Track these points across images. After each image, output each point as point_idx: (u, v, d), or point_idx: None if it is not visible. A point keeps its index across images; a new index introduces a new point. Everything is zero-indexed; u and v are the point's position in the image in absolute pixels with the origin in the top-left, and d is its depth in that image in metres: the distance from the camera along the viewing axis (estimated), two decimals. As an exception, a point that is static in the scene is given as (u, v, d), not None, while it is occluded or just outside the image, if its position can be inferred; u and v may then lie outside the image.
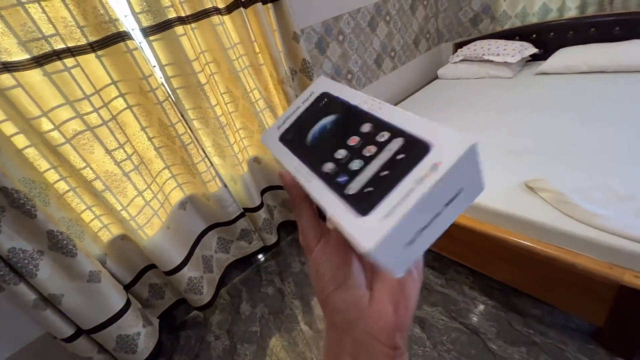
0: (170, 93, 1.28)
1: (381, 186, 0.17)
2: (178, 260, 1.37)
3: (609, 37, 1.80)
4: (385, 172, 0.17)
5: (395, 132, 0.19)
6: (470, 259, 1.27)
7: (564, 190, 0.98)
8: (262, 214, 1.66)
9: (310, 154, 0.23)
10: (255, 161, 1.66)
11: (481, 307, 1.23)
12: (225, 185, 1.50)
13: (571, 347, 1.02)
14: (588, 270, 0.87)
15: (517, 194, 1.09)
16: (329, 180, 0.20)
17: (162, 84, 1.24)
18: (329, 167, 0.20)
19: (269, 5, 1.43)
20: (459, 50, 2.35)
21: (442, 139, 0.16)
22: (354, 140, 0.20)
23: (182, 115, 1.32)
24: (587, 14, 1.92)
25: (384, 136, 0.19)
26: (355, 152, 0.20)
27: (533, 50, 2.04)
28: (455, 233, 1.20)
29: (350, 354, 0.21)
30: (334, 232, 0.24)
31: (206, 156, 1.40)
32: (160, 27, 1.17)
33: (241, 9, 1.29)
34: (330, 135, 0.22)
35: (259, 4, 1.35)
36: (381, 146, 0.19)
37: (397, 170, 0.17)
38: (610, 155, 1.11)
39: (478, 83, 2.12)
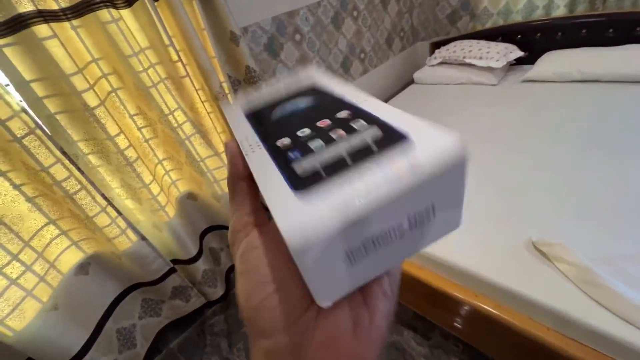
0: (39, 123, 0.88)
1: (339, 170, 0.13)
2: (75, 347, 1.00)
3: (603, 40, 1.59)
4: (350, 159, 0.13)
5: (372, 120, 0.15)
6: (462, 331, 0.99)
7: (589, 262, 0.71)
8: (200, 265, 1.30)
9: (268, 128, 0.18)
10: (190, 198, 1.29)
11: (476, 392, 0.96)
12: (144, 238, 1.13)
13: None
14: (633, 389, 0.61)
15: (521, 255, 0.82)
16: (278, 153, 0.15)
17: (24, 110, 0.84)
18: (283, 141, 0.16)
19: (192, -5, 1.06)
20: (436, 51, 2.08)
21: (427, 136, 0.13)
22: (323, 123, 0.17)
23: (65, 153, 0.93)
24: (577, 13, 1.70)
25: (358, 122, 0.16)
26: (320, 133, 0.16)
27: (519, 53, 1.80)
28: (440, 299, 0.92)
29: None
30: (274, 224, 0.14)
31: (109, 204, 1.02)
32: (9, 27, 0.77)
33: (145, 0, 0.92)
34: (300, 115, 0.19)
35: (175, -6, 0.98)
36: (352, 131, 0.15)
37: (364, 159, 0.13)
38: (638, 200, 0.86)
39: (459, 90, 1.86)
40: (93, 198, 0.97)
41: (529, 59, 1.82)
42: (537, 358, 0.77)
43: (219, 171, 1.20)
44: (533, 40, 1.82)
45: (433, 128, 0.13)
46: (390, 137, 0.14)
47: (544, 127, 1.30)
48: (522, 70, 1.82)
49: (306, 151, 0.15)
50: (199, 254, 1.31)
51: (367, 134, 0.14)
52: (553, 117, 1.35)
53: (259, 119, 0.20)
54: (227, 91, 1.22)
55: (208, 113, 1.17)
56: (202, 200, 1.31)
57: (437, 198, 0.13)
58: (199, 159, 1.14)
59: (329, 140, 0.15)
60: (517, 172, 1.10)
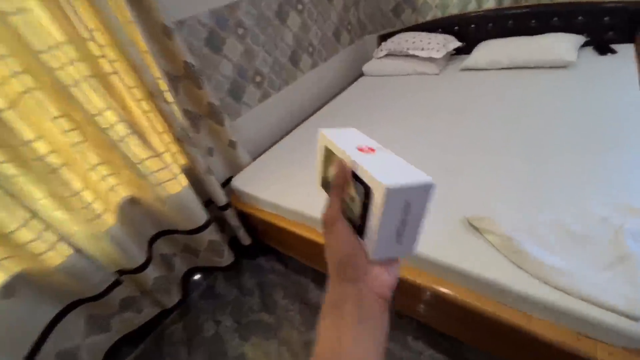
0: None
1: (364, 217, 0.27)
2: (4, 378, 0.90)
3: (526, 29, 1.74)
4: (363, 211, 0.27)
5: (361, 181, 0.27)
6: (411, 310, 1.04)
7: (512, 230, 0.78)
8: (150, 272, 1.23)
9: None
10: (133, 203, 1.22)
11: (429, 364, 1.02)
12: (80, 250, 1.04)
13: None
14: (550, 341, 0.68)
15: (458, 232, 0.87)
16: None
17: None
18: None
19: (114, -15, 0.98)
20: (382, 43, 2.14)
21: (374, 184, 0.25)
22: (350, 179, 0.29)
23: (-30, 162, 0.82)
24: (504, 5, 1.84)
25: (358, 185, 0.27)
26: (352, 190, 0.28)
27: (457, 43, 1.91)
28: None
29: (353, 302, 0.26)
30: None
31: (34, 216, 0.92)
32: None
33: (55, -10, 0.83)
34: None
35: (92, -17, 0.90)
36: (358, 190, 0.27)
37: (366, 212, 0.26)
38: (555, 175, 0.95)
39: (405, 80, 1.93)
40: (10, 212, 0.87)
41: (466, 49, 1.93)
42: (477, 325, 0.83)
43: (161, 173, 1.13)
44: (468, 31, 1.94)
45: (378, 180, 0.24)
46: (366, 190, 0.25)
47: (479, 112, 1.40)
48: (461, 59, 1.93)
49: (352, 209, 0.28)
50: (148, 261, 1.23)
51: (361, 194, 0.26)
52: (486, 103, 1.45)
53: (327, 186, 0.35)
54: (164, 88, 1.16)
55: (145, 112, 1.10)
56: (147, 204, 1.24)
57: (402, 200, 0.24)
58: (136, 161, 1.07)
59: (354, 200, 0.28)
60: (455, 154, 1.17)
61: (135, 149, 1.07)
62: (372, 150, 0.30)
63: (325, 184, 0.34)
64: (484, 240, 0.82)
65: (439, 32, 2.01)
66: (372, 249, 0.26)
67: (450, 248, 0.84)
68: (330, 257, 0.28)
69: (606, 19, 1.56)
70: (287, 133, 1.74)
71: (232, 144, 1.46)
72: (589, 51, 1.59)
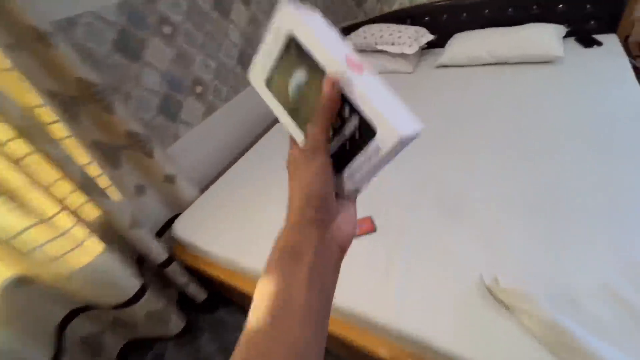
0: None
1: (346, 155, 0.24)
2: None
3: (504, 18, 1.57)
4: (348, 146, 0.23)
5: (353, 109, 0.22)
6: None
7: (548, 301, 0.57)
8: (62, 374, 0.89)
9: (295, 114, 0.26)
10: (22, 284, 0.85)
11: None
12: None
13: None
14: None
15: (474, 307, 0.65)
16: None
17: None
18: None
19: None
20: (346, 37, 1.87)
21: (383, 126, 0.21)
22: None
23: None
24: (479, -8, 1.64)
25: (346, 111, 0.23)
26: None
27: (429, 36, 1.69)
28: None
29: (315, 250, 0.23)
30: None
31: None
32: None
33: None
34: (306, 98, 0.25)
35: None
36: (344, 121, 0.23)
37: (354, 147, 0.23)
38: (575, 203, 0.77)
39: (375, 80, 1.69)
40: None
41: (439, 41, 1.73)
42: None
43: (56, 244, 0.79)
44: (440, 21, 1.74)
45: (386, 117, 0.21)
46: (364, 126, 0.22)
47: (464, 116, 1.21)
48: (434, 54, 1.73)
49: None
50: (57, 357, 0.89)
51: (351, 124, 0.23)
52: (471, 105, 1.27)
53: (282, 96, 0.27)
54: (50, 118, 0.81)
55: (17, 160, 0.74)
56: (45, 283, 0.88)
57: (399, 149, 0.21)
58: (10, 236, 0.72)
59: (333, 129, 0.24)
60: (448, 180, 0.95)
61: (5, 217, 0.71)
62: (361, 68, 0.22)
63: (279, 86, 0.26)
64: (510, 317, 0.61)
65: (409, 23, 1.78)
66: (348, 189, 0.25)
67: (464, 332, 0.62)
68: (299, 192, 0.24)
69: (588, 7, 1.42)
70: (242, 152, 1.44)
71: (168, 179, 1.13)
72: (572, 43, 1.45)
